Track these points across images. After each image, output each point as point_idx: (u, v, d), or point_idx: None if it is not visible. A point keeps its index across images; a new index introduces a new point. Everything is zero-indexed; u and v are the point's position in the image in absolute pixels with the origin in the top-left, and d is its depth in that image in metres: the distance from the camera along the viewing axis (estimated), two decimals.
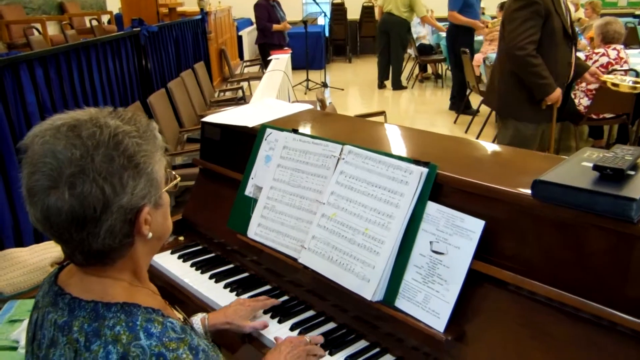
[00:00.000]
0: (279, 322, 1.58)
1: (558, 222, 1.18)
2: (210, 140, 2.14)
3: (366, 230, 1.45)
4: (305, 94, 8.71)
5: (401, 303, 1.37)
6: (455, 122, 7.02)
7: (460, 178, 1.35)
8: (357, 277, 1.43)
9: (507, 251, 1.27)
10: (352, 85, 9.89)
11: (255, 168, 1.84)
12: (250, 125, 1.95)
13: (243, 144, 1.98)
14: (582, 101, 4.95)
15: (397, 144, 1.78)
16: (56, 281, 1.05)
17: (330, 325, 1.57)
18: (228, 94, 6.86)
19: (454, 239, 1.31)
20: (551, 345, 1.16)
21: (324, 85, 9.22)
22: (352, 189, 1.52)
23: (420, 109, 7.61)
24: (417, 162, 1.42)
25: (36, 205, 0.91)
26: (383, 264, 1.39)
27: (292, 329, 1.55)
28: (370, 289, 1.40)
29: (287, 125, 1.93)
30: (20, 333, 1.79)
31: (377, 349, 1.45)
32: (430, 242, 1.36)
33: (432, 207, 1.37)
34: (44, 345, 0.99)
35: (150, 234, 1.00)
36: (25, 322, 1.83)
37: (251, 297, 1.70)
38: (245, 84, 7.23)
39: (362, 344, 1.48)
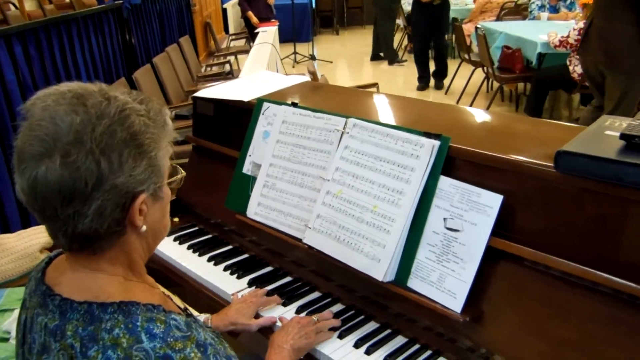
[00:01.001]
0: (284, 305, 1.51)
1: (582, 195, 1.11)
2: (203, 116, 2.04)
3: (375, 207, 1.37)
4: (293, 67, 8.56)
5: (414, 283, 1.31)
6: (446, 93, 6.94)
7: (475, 150, 1.28)
8: (367, 257, 1.36)
9: (526, 227, 1.21)
10: (341, 58, 9.73)
11: (253, 144, 1.75)
12: (245, 99, 1.85)
13: (238, 120, 1.88)
14: (576, 69, 4.88)
15: (403, 116, 1.69)
16: (44, 278, 0.96)
17: (338, 307, 1.50)
18: (215, 69, 6.70)
19: (470, 215, 1.24)
20: (573, 323, 1.11)
21: (312, 58, 9.05)
22: (358, 165, 1.44)
23: (410, 81, 7.49)
24: (427, 135, 1.34)
25: (24, 173, 0.83)
26: (394, 243, 1.32)
27: (298, 312, 1.48)
28: (381, 269, 1.33)
29: (285, 98, 1.84)
30: (11, 323, 1.72)
31: (389, 331, 1.40)
32: (444, 219, 1.29)
33: (445, 182, 1.30)
34: (35, 351, 0.91)
35: (145, 227, 0.91)
36: (16, 312, 1.75)
37: (253, 279, 1.63)
38: (232, 58, 7.05)
39: (372, 325, 1.42)
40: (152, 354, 0.80)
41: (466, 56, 6.46)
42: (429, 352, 1.32)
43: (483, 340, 1.23)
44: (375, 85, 4.36)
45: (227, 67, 6.21)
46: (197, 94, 2.01)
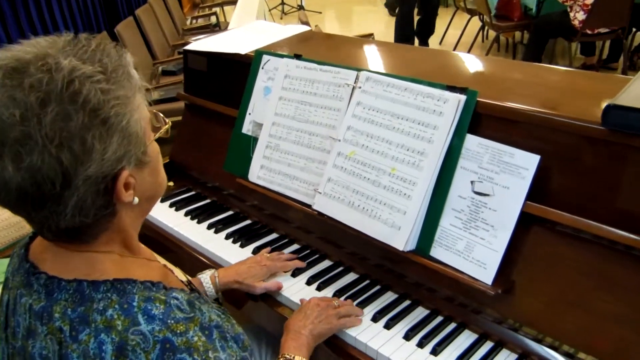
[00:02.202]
0: (293, 275, 1.40)
1: (634, 155, 0.99)
2: (196, 72, 1.88)
3: (393, 170, 1.25)
4: (282, 18, 8.25)
5: (438, 252, 1.20)
6: (440, 44, 6.72)
7: (507, 105, 1.14)
8: (386, 225, 1.24)
9: (566, 190, 1.09)
10: (329, 7, 9.39)
11: (253, 102, 1.60)
12: (242, 51, 1.69)
13: (235, 75, 1.72)
14: (577, 15, 4.69)
15: (420, 68, 1.54)
16: (27, 255, 0.85)
17: (351, 277, 1.40)
18: (200, 21, 6.40)
19: (502, 178, 1.12)
20: (619, 295, 1.01)
21: (300, 8, 8.71)
22: (372, 123, 1.30)
23: None
24: (452, 88, 1.21)
25: None
26: (416, 209, 1.20)
27: (308, 283, 1.38)
28: (401, 238, 1.21)
29: (285, 50, 1.68)
30: None
31: (408, 302, 1.30)
32: (472, 182, 1.17)
33: (472, 141, 1.17)
34: (20, 335, 0.80)
35: (137, 199, 0.79)
36: None
37: (257, 248, 1.52)
38: (217, 10, 6.74)
39: (389, 296, 1.33)
40: (151, 338, 0.71)
41: (462, 4, 6.22)
42: (453, 325, 1.23)
43: (513, 313, 1.14)
44: (370, 35, 4.15)
45: (214, 18, 5.92)
46: (188, 47, 1.84)
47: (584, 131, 1.04)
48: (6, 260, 1.80)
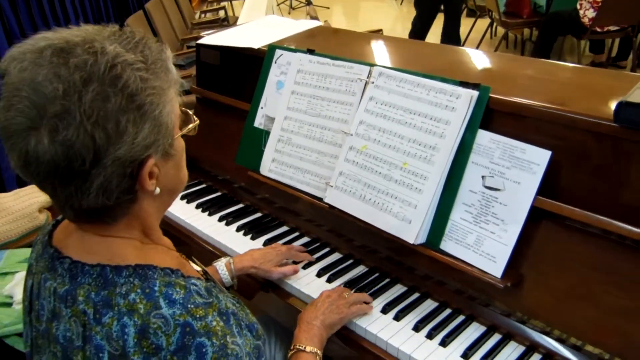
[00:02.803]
0: (304, 268, 1.42)
1: None
2: (208, 65, 1.90)
3: (405, 164, 1.26)
4: (289, 13, 8.25)
5: (448, 246, 1.22)
6: None
7: (520, 102, 1.16)
8: (397, 218, 1.26)
9: (576, 186, 1.10)
10: (337, 3, 9.37)
11: (265, 96, 1.62)
12: (255, 46, 1.70)
13: (248, 69, 1.74)
14: (587, 13, 4.68)
15: (431, 64, 1.55)
16: (51, 241, 0.87)
17: (361, 269, 1.42)
18: (209, 16, 6.41)
19: (513, 173, 1.14)
20: (631, 290, 1.03)
21: (309, 3, 8.71)
22: (385, 118, 1.32)
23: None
24: (464, 84, 1.22)
25: (13, 149, 0.73)
26: (426, 203, 1.22)
27: (319, 275, 1.40)
28: (412, 231, 1.23)
29: (298, 45, 1.69)
30: (13, 287, 1.63)
31: (417, 294, 1.32)
32: (483, 177, 1.18)
33: (484, 137, 1.18)
34: (44, 318, 0.83)
35: (158, 190, 0.81)
36: (18, 275, 1.67)
37: (268, 240, 1.54)
38: (226, 4, 6.75)
39: (398, 289, 1.35)
40: (172, 321, 0.73)
41: (471, 1, 6.20)
42: (462, 317, 1.24)
43: (522, 305, 1.15)
44: (379, 31, 4.16)
45: (222, 13, 5.93)
46: (201, 41, 1.85)
47: (595, 127, 1.06)
48: (20, 250, 1.83)
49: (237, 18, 5.80)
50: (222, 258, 1.35)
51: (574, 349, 1.09)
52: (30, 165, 0.72)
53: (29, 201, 1.95)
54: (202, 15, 6.36)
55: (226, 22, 5.47)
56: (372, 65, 1.38)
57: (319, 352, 1.09)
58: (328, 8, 8.82)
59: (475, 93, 1.19)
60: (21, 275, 1.65)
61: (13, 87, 0.71)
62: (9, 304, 1.61)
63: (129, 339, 0.73)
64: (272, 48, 1.62)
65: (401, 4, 9.00)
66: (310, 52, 1.54)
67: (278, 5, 6.40)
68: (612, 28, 4.79)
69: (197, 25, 5.50)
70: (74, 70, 0.70)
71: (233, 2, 7.16)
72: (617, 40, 5.27)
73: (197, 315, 0.74)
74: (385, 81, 1.34)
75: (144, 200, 0.82)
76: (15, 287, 1.63)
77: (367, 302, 1.26)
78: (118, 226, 0.82)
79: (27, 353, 0.93)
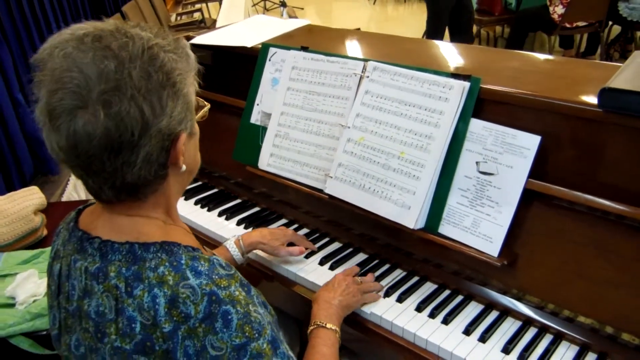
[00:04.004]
0: (306, 257, 1.48)
1: (628, 134, 1.09)
2: (201, 65, 1.93)
3: (402, 153, 1.33)
4: (264, 14, 8.25)
5: (446, 229, 1.29)
6: (423, 37, 6.83)
7: (510, 91, 1.23)
8: (396, 205, 1.32)
9: (565, 168, 1.18)
10: (311, 3, 9.44)
11: (260, 93, 1.67)
12: (248, 45, 1.75)
13: (241, 67, 1.78)
14: (556, 9, 4.84)
15: (421, 58, 1.62)
16: (77, 226, 0.92)
17: (361, 257, 1.48)
18: (184, 18, 6.40)
19: (505, 158, 1.21)
20: (617, 263, 1.11)
21: (283, 4, 8.75)
22: (381, 110, 1.38)
23: (392, 24, 7.34)
24: (456, 76, 1.29)
25: (59, 130, 0.77)
26: (424, 189, 1.29)
27: (321, 263, 1.45)
28: (411, 216, 1.30)
29: (289, 43, 1.74)
30: (15, 289, 1.64)
31: (416, 278, 1.38)
32: (477, 163, 1.25)
33: (476, 125, 1.25)
34: (75, 297, 0.88)
35: (184, 167, 0.88)
36: (19, 277, 1.68)
37: None
38: (202, 6, 6.74)
39: (398, 273, 1.41)
40: (199, 291, 0.79)
41: None
42: (460, 297, 1.31)
43: (518, 283, 1.23)
44: (358, 30, 4.22)
45: (198, 15, 5.93)
46: (193, 41, 1.89)
47: (581, 113, 1.14)
48: (17, 252, 1.84)
49: (214, 20, 5.82)
50: (231, 237, 1.40)
51: (567, 321, 1.17)
52: (80, 143, 0.76)
53: (23, 204, 1.96)
54: (178, 18, 6.35)
55: (203, 24, 5.48)
56: (366, 60, 1.44)
57: (337, 329, 1.15)
58: (302, 9, 8.87)
59: (467, 84, 1.26)
60: (22, 277, 1.67)
61: (58, 71, 0.76)
62: (12, 305, 1.62)
63: (159, 309, 0.78)
64: (265, 46, 1.67)
65: (374, 3, 9.11)
66: (304, 49, 1.59)
67: (253, 6, 6.42)
68: (580, 24, 4.96)
69: (174, 27, 5.50)
70: (119, 51, 0.77)
71: (209, 4, 7.16)
72: (585, 36, 5.46)
73: (222, 285, 0.80)
74: (379, 75, 1.40)
75: (171, 177, 0.88)
76: (17, 288, 1.64)
77: (377, 289, 1.33)
78: (146, 205, 0.88)
79: (54, 336, 0.97)
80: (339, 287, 1.25)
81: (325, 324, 1.14)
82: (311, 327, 1.16)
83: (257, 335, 0.81)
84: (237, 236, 1.40)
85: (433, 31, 5.23)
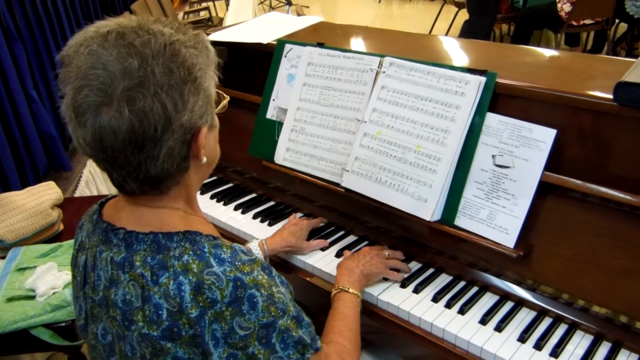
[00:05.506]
0: (322, 250, 1.50)
1: None
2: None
3: (418, 147, 1.35)
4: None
5: (462, 221, 1.31)
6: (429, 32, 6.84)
7: (526, 86, 1.25)
8: (413, 198, 1.35)
9: (579, 160, 1.21)
10: (316, 1, 9.46)
11: (276, 88, 1.69)
12: (264, 41, 1.78)
13: (257, 63, 1.81)
14: (564, 7, 4.85)
15: (438, 53, 1.65)
16: (101, 218, 0.95)
17: None
18: (191, 17, 6.43)
19: (521, 151, 1.23)
20: (631, 252, 1.13)
21: (288, 3, 8.78)
22: (397, 105, 1.40)
23: (399, 22, 7.36)
24: (472, 71, 1.31)
25: (85, 125, 0.80)
26: (441, 183, 1.31)
27: (337, 255, 1.48)
28: (428, 209, 1.32)
29: (303, 39, 1.77)
30: (35, 281, 1.67)
31: (432, 269, 1.41)
32: (493, 156, 1.28)
33: (492, 119, 1.28)
34: (101, 287, 0.91)
35: (205, 159, 0.90)
36: (39, 269, 1.71)
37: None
38: (209, 4, 6.78)
39: (414, 265, 1.43)
40: (224, 277, 0.82)
41: None
42: (476, 288, 1.34)
43: (533, 273, 1.25)
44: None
45: (205, 13, 5.96)
46: (209, 37, 1.91)
47: (596, 107, 1.16)
48: (35, 246, 1.87)
49: (220, 19, 5.85)
50: (254, 240, 1.43)
51: (582, 310, 1.19)
52: (105, 138, 0.79)
53: (41, 199, 1.99)
54: (186, 16, 6.38)
55: (211, 23, 5.51)
56: (382, 55, 1.47)
57: (359, 294, 1.21)
58: (307, 7, 8.90)
59: (483, 79, 1.29)
60: (42, 269, 1.70)
61: (84, 68, 0.79)
62: (32, 297, 1.65)
63: (185, 296, 0.81)
64: (281, 43, 1.70)
65: (379, 2, 9.13)
66: (320, 45, 1.62)
67: (259, 4, 6.45)
68: (587, 21, 4.97)
69: None
70: (142, 48, 0.79)
71: (216, 3, 7.19)
72: (592, 33, 5.47)
73: (245, 271, 0.84)
74: (396, 70, 1.42)
75: (192, 169, 0.91)
76: (37, 280, 1.67)
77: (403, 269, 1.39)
78: (168, 197, 0.91)
79: (81, 325, 1.00)
80: (363, 258, 1.31)
81: (348, 289, 1.20)
82: (334, 291, 1.22)
83: (282, 313, 0.85)
84: (261, 239, 1.44)
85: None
